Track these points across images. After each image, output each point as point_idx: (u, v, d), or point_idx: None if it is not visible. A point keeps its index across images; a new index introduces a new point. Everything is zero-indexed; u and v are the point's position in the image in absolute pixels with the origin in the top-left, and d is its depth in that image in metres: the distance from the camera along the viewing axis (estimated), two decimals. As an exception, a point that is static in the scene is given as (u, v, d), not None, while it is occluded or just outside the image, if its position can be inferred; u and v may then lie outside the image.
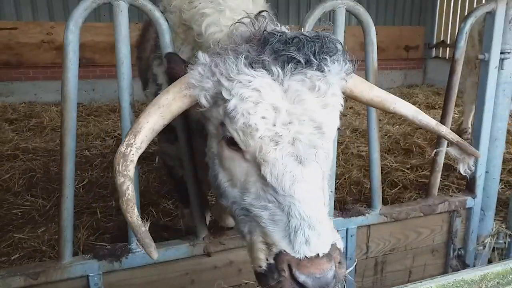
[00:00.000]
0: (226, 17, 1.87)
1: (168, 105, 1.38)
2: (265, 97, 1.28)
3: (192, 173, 2.21)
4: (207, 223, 2.95)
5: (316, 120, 1.32)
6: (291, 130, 1.29)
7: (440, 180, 3.66)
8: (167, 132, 2.27)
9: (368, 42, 2.40)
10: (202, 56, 1.40)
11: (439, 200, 2.88)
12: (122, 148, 1.32)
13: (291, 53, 1.31)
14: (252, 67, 1.30)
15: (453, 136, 1.83)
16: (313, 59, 1.33)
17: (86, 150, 5.38)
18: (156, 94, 2.39)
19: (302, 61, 1.31)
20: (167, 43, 1.99)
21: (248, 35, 1.44)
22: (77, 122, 6.50)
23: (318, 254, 1.24)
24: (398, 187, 4.29)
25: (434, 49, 11.63)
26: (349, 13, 2.34)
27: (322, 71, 1.34)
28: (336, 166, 4.87)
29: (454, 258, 3.04)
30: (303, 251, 1.24)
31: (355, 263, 2.73)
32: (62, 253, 2.07)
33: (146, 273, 2.25)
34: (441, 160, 2.88)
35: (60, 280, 2.07)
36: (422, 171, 4.64)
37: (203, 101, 1.38)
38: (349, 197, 4.09)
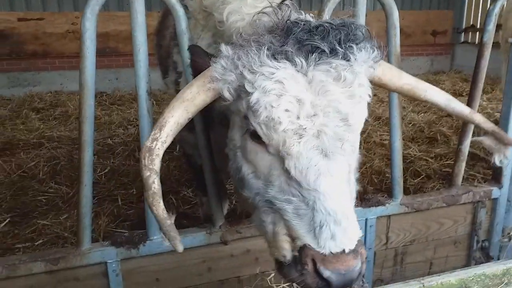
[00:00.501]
0: (248, 5, 1.82)
1: (192, 99, 1.38)
2: (289, 89, 1.24)
3: (209, 162, 2.20)
4: (225, 212, 2.96)
5: (342, 111, 1.27)
6: (316, 122, 1.25)
7: (465, 170, 3.56)
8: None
9: (390, 25, 2.32)
10: (225, 49, 1.37)
11: (463, 190, 2.79)
12: (148, 143, 1.32)
13: (315, 42, 1.27)
14: (275, 58, 1.27)
15: (489, 125, 1.73)
16: (338, 47, 1.28)
17: (109, 139, 5.46)
18: (176, 82, 2.40)
19: (327, 50, 1.27)
20: (183, 29, 1.97)
21: (271, 25, 1.41)
22: (101, 111, 6.64)
23: (344, 250, 1.21)
24: (421, 176, 4.18)
25: (463, 34, 11.20)
26: (370, -4, 2.26)
27: (348, 60, 1.30)
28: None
29: (478, 250, 2.95)
30: (328, 246, 1.21)
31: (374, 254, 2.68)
32: (81, 239, 2.10)
33: (163, 260, 2.27)
34: (465, 149, 2.78)
35: (79, 266, 2.11)
36: (446, 160, 4.51)
37: (227, 95, 1.36)
38: (370, 187, 4.01)
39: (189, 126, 2.35)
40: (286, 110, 1.24)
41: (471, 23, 11.04)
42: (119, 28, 8.84)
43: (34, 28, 8.63)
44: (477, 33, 10.80)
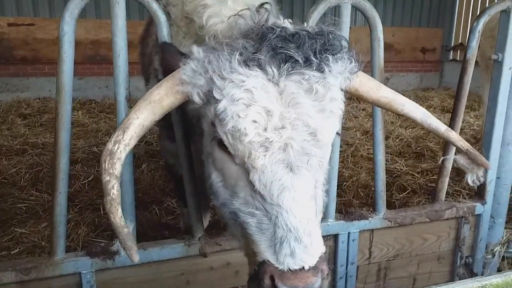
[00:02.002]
0: (228, 8, 1.80)
1: (159, 101, 1.32)
2: (258, 99, 1.19)
3: (189, 172, 2.16)
4: (207, 223, 2.91)
5: (311, 125, 1.23)
6: (283, 135, 1.20)
7: (451, 185, 3.56)
8: (169, 129, 2.23)
9: (374, 38, 2.31)
10: (196, 50, 1.32)
11: (447, 205, 2.78)
12: (109, 145, 1.27)
13: (289, 52, 1.22)
14: (247, 65, 1.22)
15: (463, 144, 1.70)
16: (313, 58, 1.24)
17: (95, 147, 5.39)
18: None
19: (301, 60, 1.22)
20: (164, 36, 1.95)
21: (246, 29, 1.36)
22: (89, 119, 6.55)
23: (303, 267, 1.17)
24: (407, 191, 4.17)
25: (451, 51, 11.38)
26: (355, 8, 2.26)
27: (322, 72, 1.25)
28: (345, 169, 4.82)
29: (462, 267, 2.93)
30: (287, 263, 1.18)
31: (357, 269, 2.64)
32: (54, 249, 2.04)
33: (140, 272, 2.21)
34: (449, 164, 2.77)
35: (52, 277, 2.04)
36: (432, 176, 4.51)
37: (196, 99, 1.31)
38: (355, 200, 3.99)
39: (170, 135, 2.33)
40: (254, 121, 1.19)
41: (460, 41, 11.21)
42: (110, 36, 8.75)
43: (24, 34, 8.58)
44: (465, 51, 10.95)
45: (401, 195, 4.11)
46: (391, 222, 2.63)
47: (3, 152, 5.01)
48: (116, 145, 1.26)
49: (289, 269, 1.17)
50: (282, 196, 1.20)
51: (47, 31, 8.70)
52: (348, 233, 2.55)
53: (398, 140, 5.83)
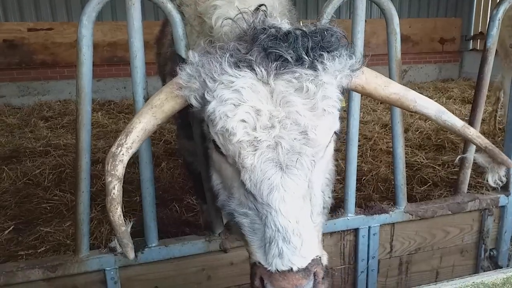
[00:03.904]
0: (235, 9, 1.80)
1: (160, 105, 1.35)
2: (246, 98, 1.19)
3: (207, 168, 2.17)
4: (226, 219, 2.93)
5: (301, 124, 1.21)
6: (272, 134, 1.19)
7: (473, 177, 3.49)
8: (186, 128, 2.26)
9: (390, 31, 2.29)
10: (192, 55, 1.34)
11: (469, 197, 2.73)
12: (113, 148, 1.31)
13: (278, 51, 1.21)
14: (238, 66, 1.22)
15: (481, 141, 1.58)
16: (304, 56, 1.23)
17: (115, 146, 5.47)
18: None
19: (290, 59, 1.21)
20: (179, 35, 1.97)
21: (240, 32, 1.36)
22: (108, 119, 6.66)
23: (291, 269, 1.17)
24: (428, 184, 4.12)
25: (471, 41, 11.11)
26: (371, 1, 2.24)
27: (315, 70, 1.23)
28: (364, 163, 4.78)
29: (486, 259, 2.88)
30: (275, 264, 1.17)
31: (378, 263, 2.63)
32: (79, 246, 2.09)
33: (162, 268, 2.25)
34: (470, 156, 2.72)
35: (77, 274, 2.09)
36: (454, 168, 4.43)
37: (193, 102, 1.32)
38: (375, 195, 3.96)
39: (188, 133, 2.36)
40: (242, 121, 1.19)
41: (480, 30, 10.95)
42: (126, 38, 8.87)
43: (43, 38, 8.75)
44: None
45: (422, 188, 4.06)
46: (412, 215, 2.60)
47: (27, 154, 5.14)
48: (119, 148, 1.30)
49: (277, 270, 1.16)
50: (271, 196, 1.20)
51: (66, 35, 8.86)
52: (369, 227, 2.53)
53: (417, 132, 5.75)
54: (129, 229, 1.34)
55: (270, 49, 1.21)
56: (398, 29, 2.27)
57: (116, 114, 7.58)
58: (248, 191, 1.24)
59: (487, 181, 1.65)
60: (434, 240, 2.76)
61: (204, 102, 1.29)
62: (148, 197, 2.13)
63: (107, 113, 7.64)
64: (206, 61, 1.26)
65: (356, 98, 2.32)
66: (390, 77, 2.38)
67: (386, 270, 2.71)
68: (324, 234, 2.45)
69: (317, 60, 1.24)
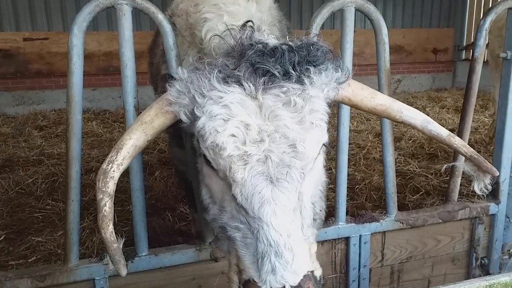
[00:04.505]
0: (224, 23, 1.83)
1: (150, 122, 1.36)
2: (235, 113, 1.20)
3: (197, 178, 2.18)
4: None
5: (289, 137, 1.22)
6: (262, 148, 1.20)
7: (465, 186, 3.51)
8: (177, 137, 2.27)
9: (379, 41, 2.32)
10: (181, 71, 1.35)
11: (459, 206, 2.75)
12: (104, 165, 1.32)
13: (266, 66, 1.23)
14: (226, 82, 1.24)
15: (467, 150, 1.60)
16: (291, 71, 1.25)
17: (108, 156, 5.46)
18: None
19: (277, 73, 1.23)
20: (170, 45, 1.99)
21: (228, 48, 1.38)
22: (103, 129, 6.64)
23: (284, 286, 1.16)
24: (421, 193, 4.13)
25: (464, 51, 11.23)
26: (359, 12, 2.27)
27: (302, 84, 1.25)
28: (357, 171, 4.80)
29: (477, 268, 2.89)
30: (269, 281, 1.16)
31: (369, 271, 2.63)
32: (68, 256, 2.08)
33: (152, 277, 2.24)
34: (460, 164, 2.74)
35: (66, 283, 2.08)
36: (446, 177, 4.44)
37: (183, 118, 1.33)
38: (368, 203, 3.97)
39: (179, 142, 2.37)
40: (232, 135, 1.20)
41: (472, 40, 11.04)
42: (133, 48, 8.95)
43: (39, 48, 8.77)
44: (479, 50, 10.80)
45: (414, 197, 4.07)
46: (403, 223, 2.61)
47: (20, 163, 5.12)
48: (110, 165, 1.31)
49: (271, 287, 1.16)
50: (263, 209, 1.20)
51: (61, 44, 8.88)
52: (360, 235, 2.54)
53: (411, 141, 5.78)
54: (121, 246, 1.35)
55: (257, 65, 1.23)
56: (386, 39, 2.30)
57: (111, 123, 7.58)
58: (239, 205, 1.25)
59: (473, 189, 1.66)
60: (425, 248, 2.76)
61: (194, 118, 1.30)
62: (138, 206, 2.13)
63: (102, 122, 7.64)
64: (195, 77, 1.27)
65: (346, 107, 2.34)
66: (379, 87, 2.41)
67: (377, 279, 2.71)
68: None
69: (304, 75, 1.26)
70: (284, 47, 1.29)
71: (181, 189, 4.38)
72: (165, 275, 2.26)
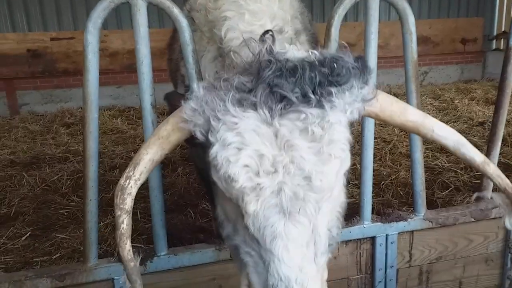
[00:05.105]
0: (245, 22, 1.78)
1: (167, 136, 1.32)
2: (250, 142, 1.13)
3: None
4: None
5: (305, 169, 1.13)
6: (276, 180, 1.13)
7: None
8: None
9: (406, 31, 2.20)
10: (197, 88, 1.28)
11: (493, 204, 2.59)
12: (121, 180, 1.29)
13: (283, 92, 1.14)
14: (241, 105, 1.16)
15: (502, 181, 1.44)
16: (311, 95, 1.14)
17: (132, 152, 5.51)
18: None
19: (295, 99, 1.13)
20: (186, 40, 1.93)
21: (245, 62, 1.28)
22: (127, 125, 6.72)
23: None
24: (450, 189, 3.96)
25: (494, 41, 10.78)
26: (384, 1, 2.16)
27: (322, 108, 1.14)
28: (383, 167, 4.66)
29: (512, 269, 2.73)
30: None
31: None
32: (87, 255, 2.07)
33: (172, 277, 2.21)
34: (494, 159, 2.60)
35: (85, 283, 2.07)
36: (477, 172, 4.25)
37: (199, 136, 1.25)
38: (394, 200, 3.84)
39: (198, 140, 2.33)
40: (245, 166, 1.13)
41: (503, 29, 10.62)
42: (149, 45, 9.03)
43: (65, 47, 8.92)
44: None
45: (443, 193, 3.91)
46: (432, 222, 2.49)
47: (46, 160, 5.22)
48: (128, 181, 1.28)
49: None
50: (275, 243, 1.14)
51: (85, 43, 9.00)
52: (386, 235, 2.43)
53: (439, 135, 5.57)
54: (138, 264, 1.33)
55: (275, 88, 1.14)
56: (413, 29, 2.18)
57: (136, 120, 7.65)
58: (251, 234, 1.20)
59: (504, 224, 1.49)
60: (456, 248, 2.63)
61: (208, 138, 1.25)
62: (157, 205, 2.10)
63: (126, 119, 7.72)
64: (210, 98, 1.20)
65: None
66: (406, 79, 2.29)
67: (405, 280, 2.60)
68: (339, 243, 2.39)
69: (325, 98, 1.15)
70: (305, 64, 1.18)
71: (203, 185, 4.36)
72: (185, 275, 2.22)
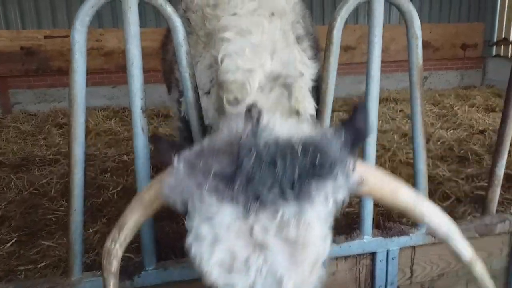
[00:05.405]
0: (245, 56, 1.68)
1: (150, 203, 1.30)
2: (224, 238, 1.07)
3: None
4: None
5: (277, 272, 1.08)
6: (247, 280, 1.08)
7: (500, 193, 3.24)
8: (189, 140, 2.11)
9: (411, 35, 2.08)
10: (177, 161, 1.18)
11: (498, 218, 2.49)
12: (107, 243, 1.31)
13: (260, 187, 1.07)
14: (219, 195, 1.09)
15: (489, 285, 1.41)
16: (289, 191, 1.07)
17: (125, 155, 5.37)
18: (178, 101, 2.24)
19: (273, 197, 1.07)
20: (180, 41, 1.81)
21: (225, 142, 1.20)
22: (121, 127, 6.59)
23: None
24: (451, 199, 3.86)
25: (495, 47, 10.74)
26: (389, 3, 2.04)
27: (301, 205, 1.07)
28: (382, 175, 4.55)
29: (517, 286, 2.62)
30: None
31: (397, 289, 2.41)
32: (71, 268, 1.94)
33: (161, 292, 2.08)
34: (500, 171, 2.49)
35: (68, 298, 1.94)
36: (478, 182, 4.16)
37: (180, 209, 1.19)
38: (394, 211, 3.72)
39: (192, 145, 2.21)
40: (218, 263, 1.08)
41: (503, 35, 10.57)
42: (142, 45, 8.86)
43: (60, 45, 8.76)
44: (510, 46, 10.32)
45: (444, 204, 3.80)
46: (435, 237, 2.37)
47: (36, 162, 5.07)
48: (113, 244, 1.30)
49: None
50: None
51: (82, 41, 8.86)
52: (387, 250, 2.32)
53: (439, 143, 5.48)
54: None
55: (252, 181, 1.06)
56: (419, 33, 2.07)
57: (130, 122, 7.45)
58: None
59: None
60: (459, 265, 2.51)
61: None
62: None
63: (120, 120, 7.58)
64: (189, 180, 1.12)
65: (374, 106, 2.12)
66: (410, 85, 2.18)
67: (406, 297, 2.48)
68: (338, 258, 2.27)
69: (304, 194, 1.08)
70: (286, 153, 1.10)
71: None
72: (175, 291, 2.10)
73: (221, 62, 1.69)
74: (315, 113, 1.98)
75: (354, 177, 1.15)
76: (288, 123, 1.28)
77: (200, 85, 1.91)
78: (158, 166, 1.36)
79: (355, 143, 1.20)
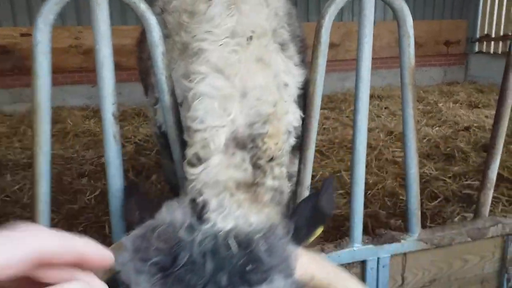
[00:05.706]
0: (214, 112, 1.39)
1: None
2: None
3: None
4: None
5: None
6: None
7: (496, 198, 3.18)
8: (168, 148, 1.96)
9: (403, 34, 1.98)
10: (125, 242, 1.15)
11: (491, 222, 2.41)
12: None
13: None
14: (153, 285, 1.06)
15: None
16: None
17: (103, 157, 5.17)
18: (153, 107, 2.08)
19: None
20: (155, 41, 1.66)
21: (165, 230, 1.15)
22: (100, 127, 6.37)
23: None
24: (439, 199, 3.79)
25: (477, 43, 10.81)
26: (380, 0, 1.93)
27: None
28: (368, 174, 4.46)
29: (510, 291, 2.56)
30: None
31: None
32: None
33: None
34: (493, 174, 2.41)
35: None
36: (466, 180, 4.11)
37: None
38: (382, 211, 3.64)
39: (171, 154, 2.05)
40: None
41: (485, 32, 10.65)
42: (122, 42, 8.50)
43: (36, 43, 8.47)
44: (492, 42, 10.39)
45: (432, 204, 3.74)
46: (427, 243, 2.28)
47: (9, 167, 4.84)
48: None
49: None
50: None
51: (59, 39, 8.55)
52: (378, 258, 2.21)
53: (425, 140, 5.43)
54: None
55: (184, 279, 1.04)
56: (411, 32, 1.97)
57: (108, 123, 7.28)
58: None
59: None
60: (451, 269, 2.43)
61: None
62: (117, 227, 1.81)
63: (100, 121, 7.32)
64: (131, 268, 1.08)
65: (363, 107, 1.99)
66: (402, 86, 2.07)
67: (397, 305, 2.39)
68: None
69: None
70: (220, 254, 1.07)
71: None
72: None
73: (191, 100, 1.45)
74: (300, 123, 1.82)
75: (297, 275, 1.11)
76: (238, 210, 1.21)
77: (178, 93, 1.74)
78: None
79: (310, 230, 1.25)
